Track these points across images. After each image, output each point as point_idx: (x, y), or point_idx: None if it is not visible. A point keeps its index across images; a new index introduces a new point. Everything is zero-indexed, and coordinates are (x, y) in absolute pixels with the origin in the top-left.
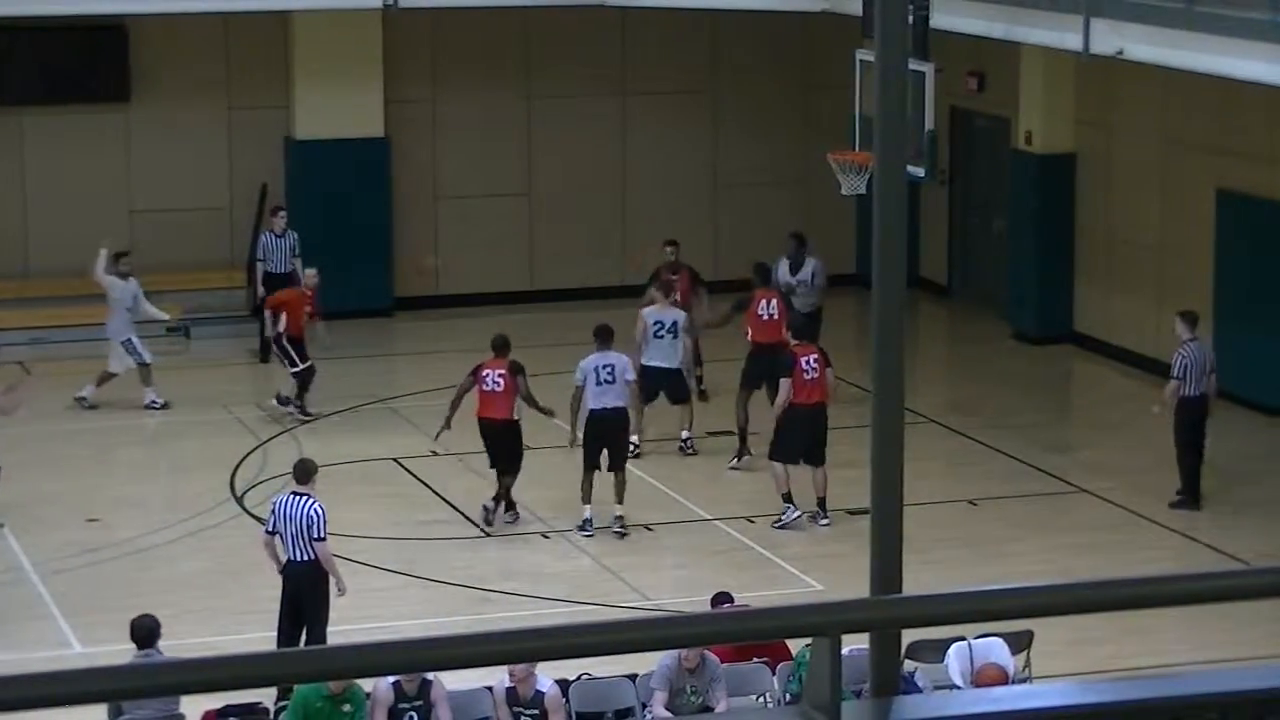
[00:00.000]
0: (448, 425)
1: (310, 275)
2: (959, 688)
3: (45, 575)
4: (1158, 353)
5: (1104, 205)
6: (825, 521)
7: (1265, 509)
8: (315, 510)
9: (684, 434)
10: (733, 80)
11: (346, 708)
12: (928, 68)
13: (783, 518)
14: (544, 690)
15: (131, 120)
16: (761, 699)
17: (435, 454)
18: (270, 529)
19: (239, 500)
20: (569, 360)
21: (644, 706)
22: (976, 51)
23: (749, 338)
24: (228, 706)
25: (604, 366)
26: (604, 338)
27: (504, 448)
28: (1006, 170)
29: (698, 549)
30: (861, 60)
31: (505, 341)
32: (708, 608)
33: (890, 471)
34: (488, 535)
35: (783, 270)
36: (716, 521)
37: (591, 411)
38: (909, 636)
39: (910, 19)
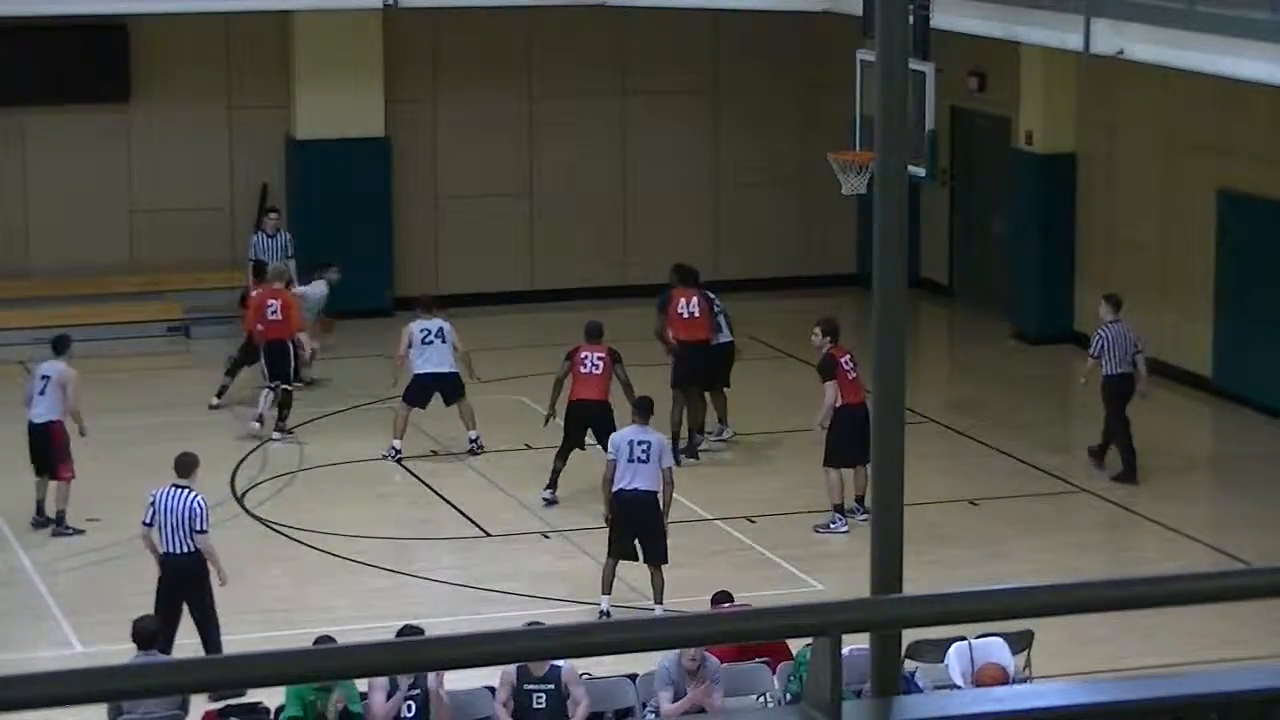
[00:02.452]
0: (553, 412)
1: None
2: (959, 687)
3: (46, 575)
4: (1159, 353)
5: (1105, 205)
6: (864, 517)
7: (1266, 509)
8: (198, 503)
9: (471, 434)
10: (733, 80)
11: (337, 694)
12: (928, 68)
13: (830, 525)
14: (560, 666)
15: (132, 120)
16: (762, 699)
17: (435, 453)
18: (147, 521)
19: (239, 500)
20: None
21: (644, 706)
22: (977, 51)
23: (674, 339)
24: (228, 706)
25: (640, 443)
26: (645, 410)
27: (600, 429)
28: (1007, 170)
29: (698, 549)
30: (862, 60)
31: (600, 328)
32: (708, 608)
33: (891, 471)
34: (488, 535)
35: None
36: (716, 521)
37: (619, 492)
38: (909, 636)
39: (911, 19)
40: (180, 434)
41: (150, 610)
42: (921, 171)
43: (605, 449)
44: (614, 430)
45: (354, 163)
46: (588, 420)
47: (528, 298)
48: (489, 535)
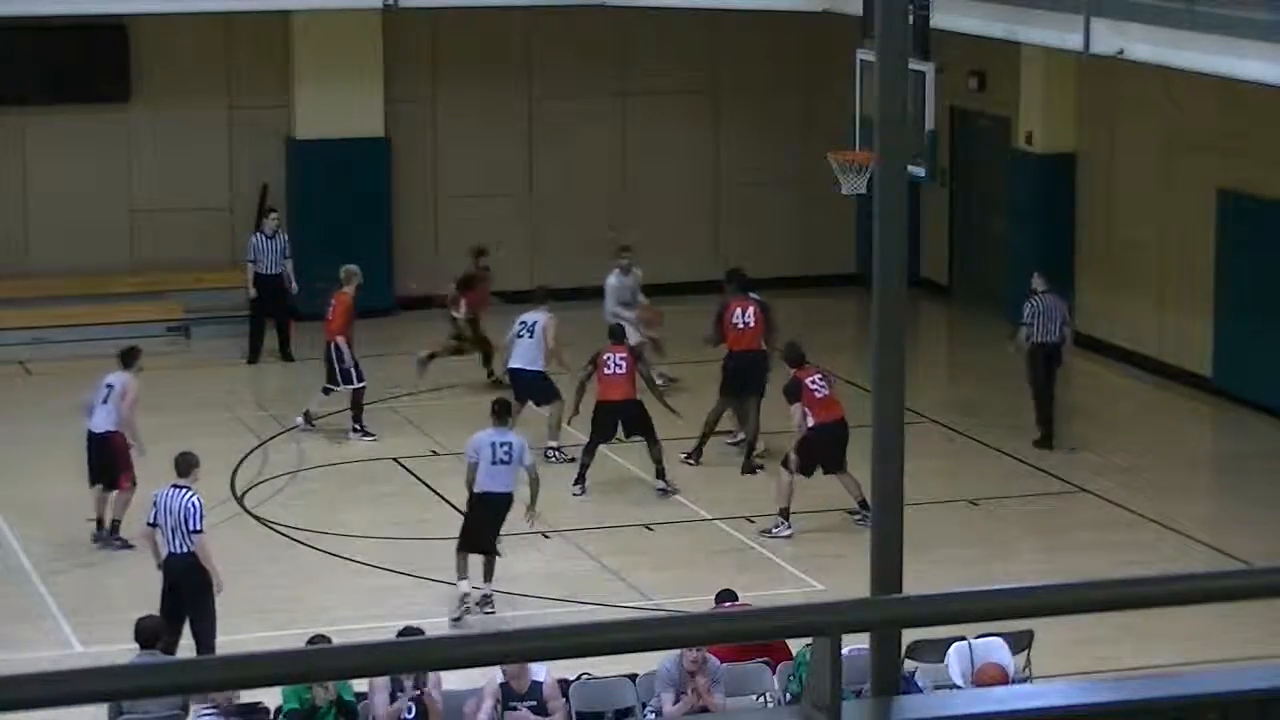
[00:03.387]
0: (576, 411)
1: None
2: (959, 687)
3: (45, 575)
4: (1159, 352)
5: (1104, 205)
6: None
7: (1267, 509)
8: (192, 503)
9: (550, 442)
10: (733, 80)
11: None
12: (928, 67)
13: (773, 530)
14: (541, 680)
15: (132, 120)
16: (762, 699)
17: (435, 453)
18: (151, 521)
19: (239, 500)
20: (569, 360)
21: (644, 706)
22: (977, 51)
23: (725, 347)
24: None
25: (501, 444)
26: (502, 412)
27: (634, 425)
28: (1007, 170)
29: (698, 549)
30: (862, 60)
31: (623, 329)
32: (708, 607)
33: (890, 471)
34: None
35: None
36: (716, 521)
37: (482, 494)
38: (909, 636)
39: (910, 19)
40: (180, 434)
41: (150, 610)
42: (921, 171)
43: (644, 440)
44: (648, 424)
45: (354, 163)
46: (616, 418)
47: (527, 298)
48: None
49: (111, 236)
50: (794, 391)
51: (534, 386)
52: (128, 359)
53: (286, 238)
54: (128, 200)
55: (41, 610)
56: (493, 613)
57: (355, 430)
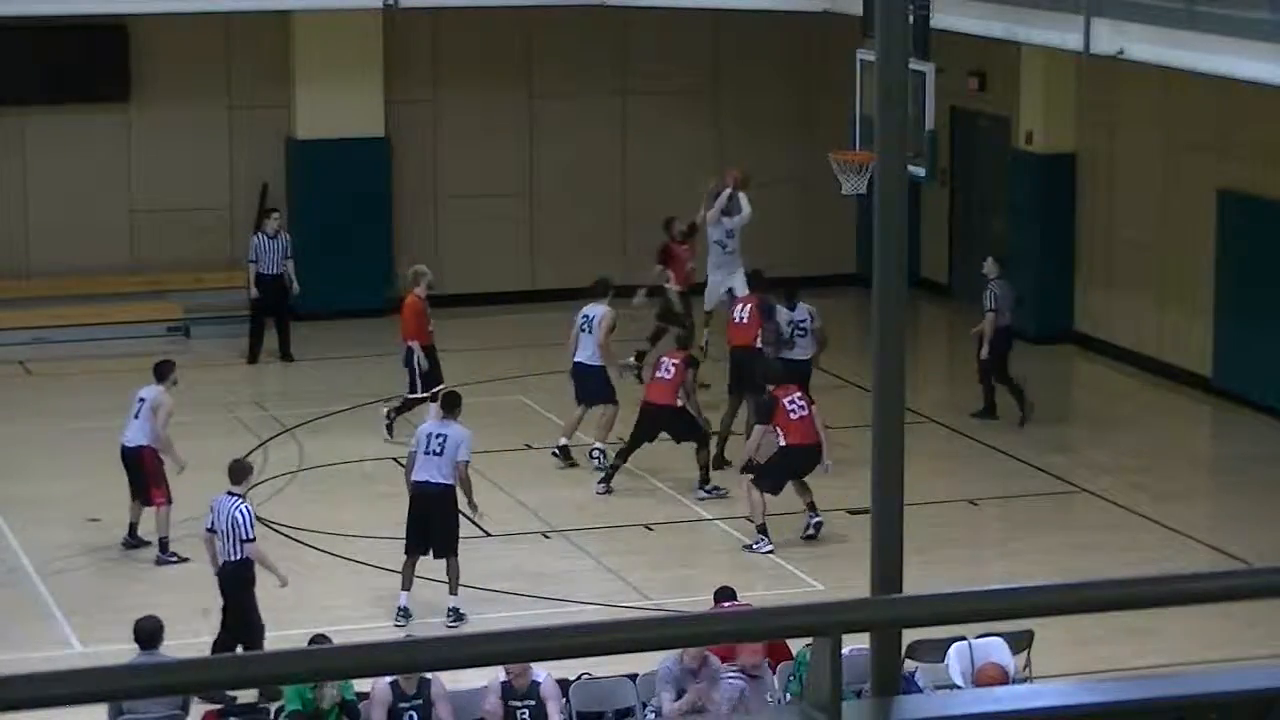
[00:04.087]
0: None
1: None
2: (959, 687)
3: (45, 575)
4: (1159, 352)
5: (1104, 205)
6: (818, 519)
7: (1266, 509)
8: (241, 511)
9: (596, 444)
10: (733, 80)
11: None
12: (928, 67)
13: (754, 546)
14: (540, 681)
15: (132, 120)
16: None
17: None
18: (209, 527)
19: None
20: (569, 360)
21: (644, 706)
22: (977, 51)
23: (726, 342)
24: (228, 707)
25: (436, 436)
26: (449, 406)
27: (678, 430)
28: (1007, 170)
29: (698, 549)
30: (862, 60)
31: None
32: (709, 607)
33: (890, 471)
34: (488, 535)
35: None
36: (716, 521)
37: (414, 483)
38: (909, 636)
39: (911, 19)
40: (180, 435)
41: (149, 610)
42: (921, 171)
43: (693, 443)
44: (694, 427)
45: (354, 163)
46: (658, 424)
47: (528, 298)
48: (489, 535)
49: (111, 236)
50: (768, 411)
51: (593, 382)
52: (161, 372)
53: (288, 238)
54: (128, 200)
55: (41, 610)
56: (455, 626)
57: (388, 417)
